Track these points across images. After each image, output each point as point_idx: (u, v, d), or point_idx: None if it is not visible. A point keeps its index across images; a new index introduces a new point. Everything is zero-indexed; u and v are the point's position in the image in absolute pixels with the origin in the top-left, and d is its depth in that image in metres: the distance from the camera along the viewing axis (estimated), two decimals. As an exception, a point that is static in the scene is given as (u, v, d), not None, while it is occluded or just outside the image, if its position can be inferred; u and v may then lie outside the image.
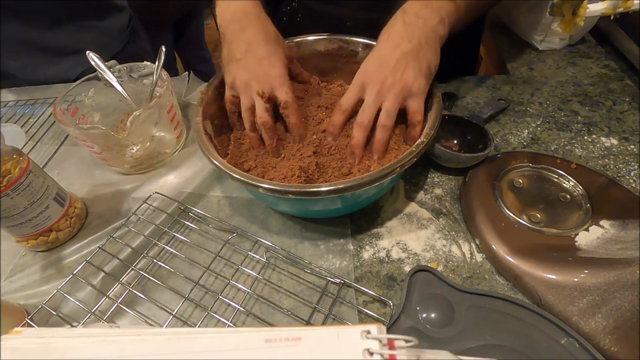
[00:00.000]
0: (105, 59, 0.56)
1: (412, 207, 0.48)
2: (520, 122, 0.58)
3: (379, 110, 0.43)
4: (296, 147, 0.47)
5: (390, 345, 0.18)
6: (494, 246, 0.41)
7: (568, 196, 0.45)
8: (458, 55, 0.71)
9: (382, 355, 0.17)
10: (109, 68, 0.59)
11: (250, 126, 0.48)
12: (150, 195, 0.52)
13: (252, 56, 0.45)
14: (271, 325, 0.39)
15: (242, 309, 0.40)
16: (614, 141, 0.53)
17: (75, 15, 0.80)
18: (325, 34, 0.56)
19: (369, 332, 0.18)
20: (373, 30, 0.49)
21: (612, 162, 0.50)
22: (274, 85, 0.45)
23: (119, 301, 0.42)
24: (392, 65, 0.41)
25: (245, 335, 0.19)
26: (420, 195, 0.50)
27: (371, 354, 0.17)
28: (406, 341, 0.18)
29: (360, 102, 0.44)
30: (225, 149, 0.50)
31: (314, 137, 0.47)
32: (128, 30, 0.91)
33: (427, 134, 0.42)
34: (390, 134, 0.43)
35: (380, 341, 0.18)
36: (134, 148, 0.56)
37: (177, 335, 0.18)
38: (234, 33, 0.46)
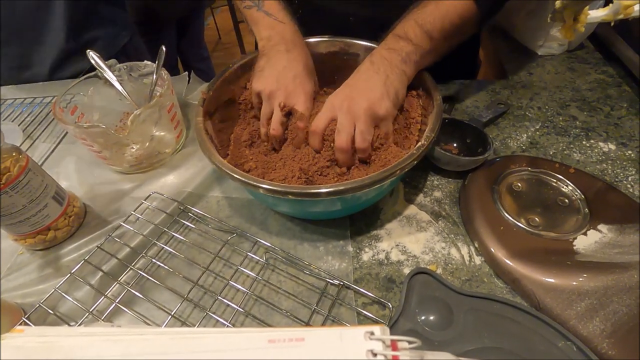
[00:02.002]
0: (115, 49, 0.55)
1: (412, 209, 0.49)
2: (519, 126, 0.58)
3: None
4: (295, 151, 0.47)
5: (394, 346, 0.18)
6: (492, 249, 0.41)
7: (566, 200, 0.45)
8: (458, 60, 0.72)
9: (385, 356, 0.17)
10: (109, 67, 0.59)
11: (266, 132, 0.50)
12: (150, 194, 0.52)
13: (287, 71, 0.48)
14: (270, 326, 0.39)
15: (241, 309, 0.40)
16: (612, 146, 0.53)
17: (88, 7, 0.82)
18: (326, 36, 0.56)
19: (372, 333, 0.18)
20: (376, 27, 0.49)
21: (609, 167, 0.51)
22: (297, 101, 0.47)
23: (117, 301, 0.41)
24: (360, 88, 0.45)
25: (248, 335, 0.19)
26: (420, 197, 0.50)
27: (374, 354, 0.17)
28: (409, 342, 0.18)
29: (332, 121, 0.45)
30: (225, 149, 0.50)
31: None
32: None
33: (427, 137, 0.42)
34: (370, 150, 0.44)
35: (383, 342, 0.18)
36: (134, 147, 0.55)
37: (181, 335, 0.18)
38: (279, 52, 0.49)
